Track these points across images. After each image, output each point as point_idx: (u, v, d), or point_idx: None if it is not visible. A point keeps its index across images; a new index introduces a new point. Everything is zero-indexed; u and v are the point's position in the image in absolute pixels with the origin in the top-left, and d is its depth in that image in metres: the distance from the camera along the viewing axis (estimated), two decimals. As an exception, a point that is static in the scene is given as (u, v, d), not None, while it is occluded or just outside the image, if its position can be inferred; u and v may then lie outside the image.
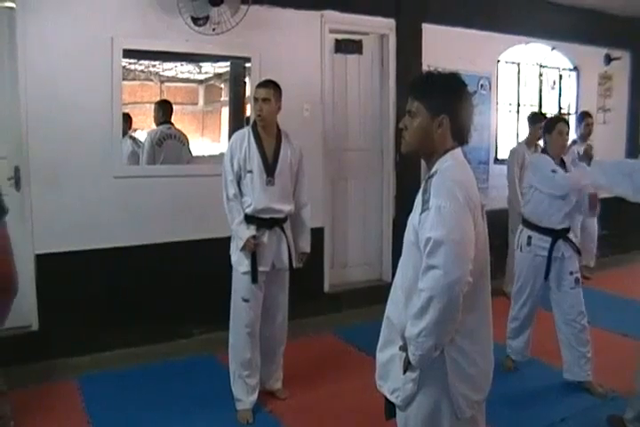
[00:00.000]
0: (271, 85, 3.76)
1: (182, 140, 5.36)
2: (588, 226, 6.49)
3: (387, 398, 2.14)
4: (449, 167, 2.01)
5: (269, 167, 3.71)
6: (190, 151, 5.39)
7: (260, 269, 3.71)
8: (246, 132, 3.78)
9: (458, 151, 2.07)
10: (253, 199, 3.68)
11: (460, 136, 2.08)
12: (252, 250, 3.65)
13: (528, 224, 4.20)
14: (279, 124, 3.84)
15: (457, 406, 2.01)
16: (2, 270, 1.83)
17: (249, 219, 3.68)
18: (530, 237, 4.16)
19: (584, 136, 6.70)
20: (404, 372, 2.01)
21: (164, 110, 5.29)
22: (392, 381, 2.10)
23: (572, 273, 4.09)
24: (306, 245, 4.00)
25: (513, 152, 6.20)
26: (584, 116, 6.81)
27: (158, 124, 5.28)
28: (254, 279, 3.68)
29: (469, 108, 2.11)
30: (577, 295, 4.09)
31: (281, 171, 3.75)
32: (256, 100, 3.73)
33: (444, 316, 1.85)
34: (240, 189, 3.70)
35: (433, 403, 2.03)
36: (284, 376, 4.06)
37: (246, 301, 3.70)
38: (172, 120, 5.32)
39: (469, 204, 1.93)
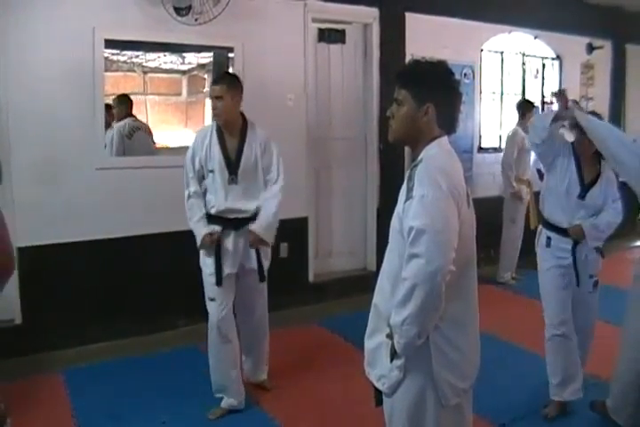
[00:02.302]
0: (225, 81, 3.61)
1: (148, 131, 5.32)
2: None
3: (374, 386, 2.16)
4: (434, 155, 2.03)
5: (232, 165, 3.61)
6: (154, 141, 5.34)
7: (227, 271, 3.64)
8: (209, 129, 3.69)
9: (444, 139, 2.08)
10: (216, 199, 3.61)
11: (447, 125, 2.09)
12: (213, 244, 3.58)
13: (547, 225, 3.79)
14: (246, 115, 3.77)
15: (442, 394, 2.03)
16: (9, 249, 1.85)
17: (214, 219, 3.61)
18: (549, 239, 3.75)
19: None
20: (391, 360, 2.03)
21: (124, 105, 5.20)
22: (379, 368, 2.11)
23: (591, 276, 3.78)
24: (258, 227, 3.67)
25: (514, 134, 6.48)
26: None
27: (119, 119, 5.18)
28: (218, 282, 3.61)
29: (456, 96, 2.12)
30: (593, 301, 3.83)
31: (245, 168, 3.63)
32: (211, 97, 3.63)
33: (427, 304, 1.87)
34: (204, 187, 3.64)
35: (418, 390, 2.04)
36: (270, 367, 4.08)
37: (212, 300, 3.65)
38: (150, 112, 5.31)
39: (453, 192, 1.94)
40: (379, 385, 2.12)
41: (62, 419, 3.61)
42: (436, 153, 2.04)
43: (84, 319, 4.51)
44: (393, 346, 1.98)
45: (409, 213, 1.92)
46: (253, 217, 3.69)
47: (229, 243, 3.65)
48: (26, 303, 4.45)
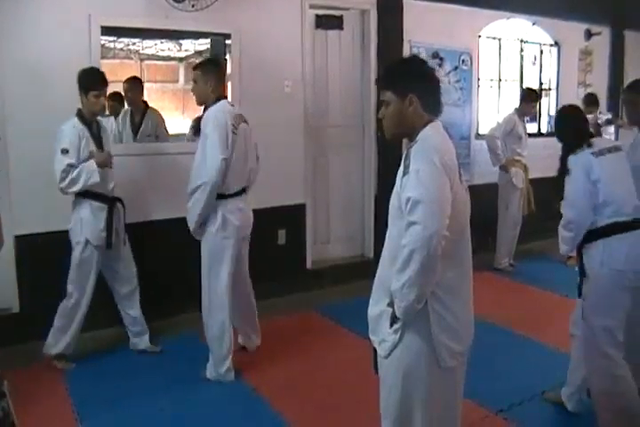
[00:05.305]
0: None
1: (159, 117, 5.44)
2: None
3: (375, 351, 2.32)
4: (429, 136, 2.21)
5: None
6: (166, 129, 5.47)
7: None
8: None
9: (437, 123, 2.27)
10: None
11: (432, 108, 2.27)
12: None
13: None
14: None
15: (440, 356, 2.18)
16: None
17: None
18: None
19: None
20: (391, 325, 2.19)
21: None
22: (380, 333, 2.27)
23: None
24: None
25: (507, 118, 6.47)
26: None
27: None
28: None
29: (433, 81, 2.30)
30: None
31: None
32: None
33: (425, 267, 2.02)
34: None
35: (415, 352, 2.20)
36: (267, 352, 4.10)
37: None
38: (148, 100, 5.33)
39: (445, 167, 2.11)
40: (379, 350, 2.27)
41: (61, 406, 3.63)
42: (431, 134, 2.22)
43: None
44: (394, 312, 2.15)
45: (406, 186, 2.09)
46: None
47: None
48: (23, 291, 4.46)
